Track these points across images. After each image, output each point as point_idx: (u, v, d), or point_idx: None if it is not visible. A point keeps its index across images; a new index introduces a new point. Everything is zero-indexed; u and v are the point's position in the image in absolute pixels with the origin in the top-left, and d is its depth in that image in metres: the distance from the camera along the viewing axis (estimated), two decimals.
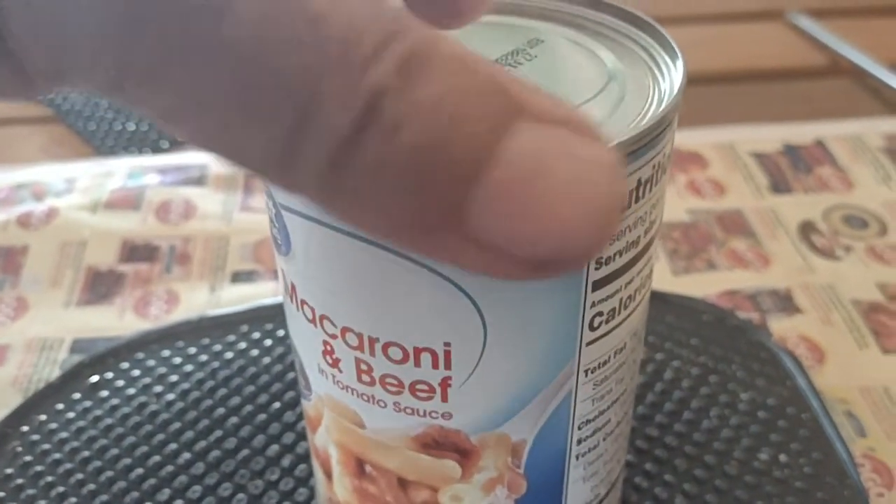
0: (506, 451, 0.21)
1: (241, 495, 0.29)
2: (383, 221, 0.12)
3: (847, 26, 0.58)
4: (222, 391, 0.33)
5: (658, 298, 0.36)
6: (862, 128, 0.49)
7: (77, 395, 0.33)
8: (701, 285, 0.38)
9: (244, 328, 0.36)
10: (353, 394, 0.21)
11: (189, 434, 0.31)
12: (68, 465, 0.30)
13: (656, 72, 0.20)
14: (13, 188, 0.44)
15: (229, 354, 0.34)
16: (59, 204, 0.43)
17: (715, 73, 0.55)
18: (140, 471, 0.30)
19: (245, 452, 0.31)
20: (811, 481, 0.29)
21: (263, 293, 0.38)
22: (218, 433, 0.31)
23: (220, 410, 0.32)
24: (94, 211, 0.43)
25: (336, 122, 0.12)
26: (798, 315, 0.37)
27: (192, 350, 0.35)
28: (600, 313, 0.19)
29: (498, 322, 0.18)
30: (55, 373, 0.34)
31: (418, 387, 0.20)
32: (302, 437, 0.31)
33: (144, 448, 0.31)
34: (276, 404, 0.32)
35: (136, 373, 0.34)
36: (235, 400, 0.32)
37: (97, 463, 0.30)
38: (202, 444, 0.31)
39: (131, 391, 0.33)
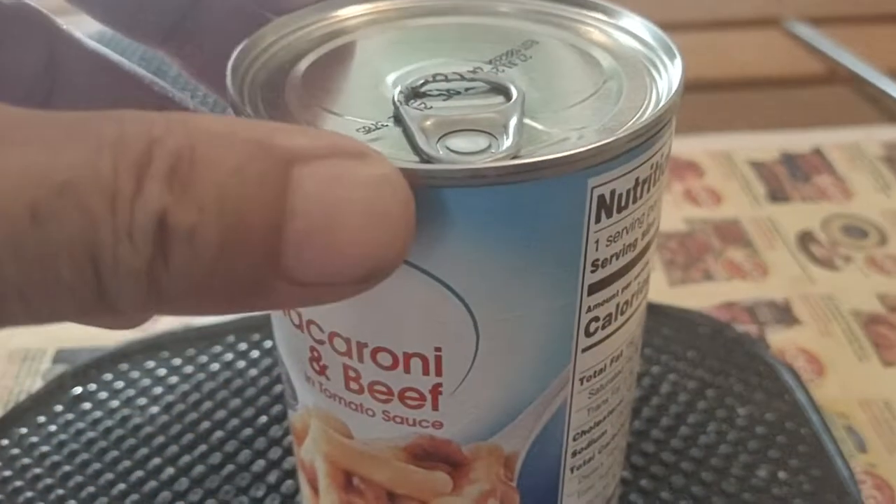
0: (498, 463, 0.20)
1: None
2: (221, 305, 0.13)
3: (845, 34, 0.58)
4: (207, 404, 0.32)
5: (654, 310, 0.36)
6: (860, 136, 0.48)
7: (59, 408, 0.32)
8: (698, 296, 0.38)
9: (230, 339, 0.35)
10: (340, 402, 0.20)
11: (173, 448, 0.30)
12: (48, 481, 0.29)
13: (654, 72, 0.20)
14: None
15: (215, 366, 0.33)
16: None
17: (712, 81, 0.54)
18: (122, 486, 0.29)
19: (230, 468, 0.30)
20: (811, 499, 0.29)
21: None
22: (202, 448, 0.30)
23: (206, 424, 0.31)
24: None
25: (134, 264, 0.12)
26: (797, 326, 0.36)
27: (177, 361, 0.34)
28: (596, 318, 0.19)
29: (491, 326, 0.18)
30: (37, 384, 0.34)
31: (408, 394, 0.19)
32: (289, 452, 0.30)
33: (127, 463, 0.30)
34: (263, 418, 0.31)
35: (120, 384, 0.33)
36: (221, 413, 0.32)
37: (78, 478, 0.29)
38: (186, 458, 0.30)
39: (115, 403, 0.32)
